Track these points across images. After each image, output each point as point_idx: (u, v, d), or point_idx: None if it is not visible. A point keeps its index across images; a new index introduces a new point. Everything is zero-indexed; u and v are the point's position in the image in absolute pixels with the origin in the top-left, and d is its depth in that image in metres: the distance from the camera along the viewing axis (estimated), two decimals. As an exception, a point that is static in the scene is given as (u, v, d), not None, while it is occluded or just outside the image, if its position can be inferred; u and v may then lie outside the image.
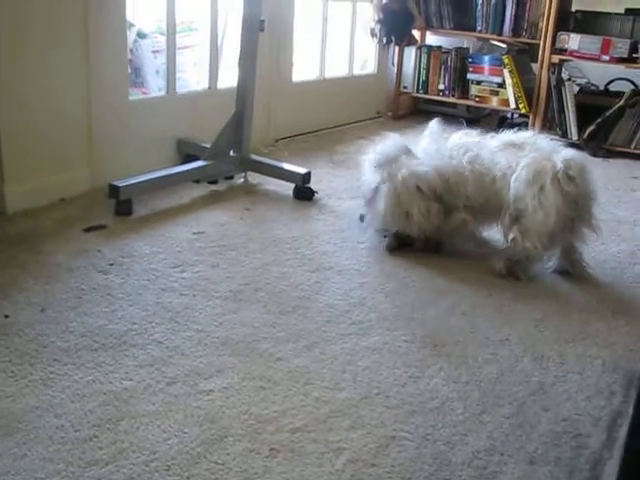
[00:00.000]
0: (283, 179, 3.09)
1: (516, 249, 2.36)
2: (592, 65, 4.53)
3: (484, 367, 1.83)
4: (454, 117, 4.94)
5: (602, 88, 4.62)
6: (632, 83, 4.40)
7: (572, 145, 3.22)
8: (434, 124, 2.67)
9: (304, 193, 3.04)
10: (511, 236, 2.36)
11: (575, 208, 2.30)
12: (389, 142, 2.59)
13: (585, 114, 4.20)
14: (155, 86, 3.67)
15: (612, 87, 4.53)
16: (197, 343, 1.84)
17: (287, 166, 3.14)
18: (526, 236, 2.32)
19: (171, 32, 3.17)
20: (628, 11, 4.26)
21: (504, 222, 2.39)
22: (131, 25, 3.54)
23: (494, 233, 2.60)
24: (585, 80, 4.83)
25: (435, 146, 2.55)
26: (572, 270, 2.44)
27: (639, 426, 0.86)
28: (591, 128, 4.09)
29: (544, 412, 1.66)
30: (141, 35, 3.69)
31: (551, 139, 2.48)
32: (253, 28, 2.96)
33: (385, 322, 2.03)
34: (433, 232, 2.50)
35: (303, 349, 1.85)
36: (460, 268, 2.44)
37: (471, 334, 2.00)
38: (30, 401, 1.57)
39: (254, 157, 3.17)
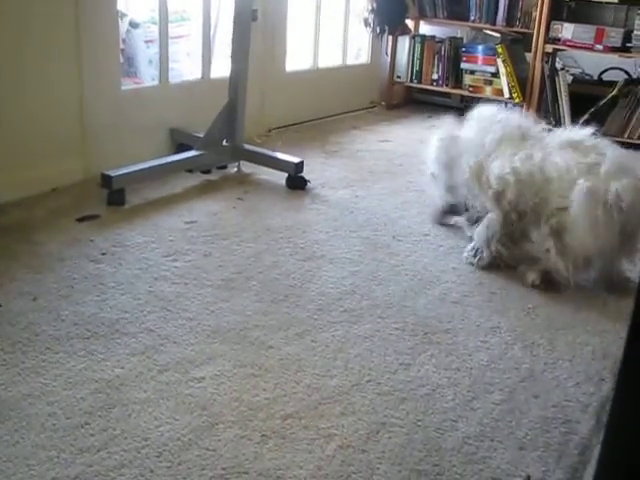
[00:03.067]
0: (276, 168, 3.09)
1: (548, 262, 2.24)
2: (586, 55, 4.52)
3: (474, 355, 1.84)
4: (447, 107, 4.95)
5: (596, 78, 4.62)
6: (625, 72, 4.40)
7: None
8: (482, 109, 2.58)
9: (297, 182, 3.04)
10: (546, 248, 2.23)
11: (619, 238, 2.16)
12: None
13: (579, 103, 4.20)
14: (148, 76, 3.66)
15: (605, 76, 4.52)
16: (189, 331, 1.85)
17: (280, 155, 3.14)
18: (562, 254, 2.19)
19: (163, 21, 3.16)
20: (622, 0, 4.25)
21: (542, 231, 2.24)
22: (123, 15, 3.52)
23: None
24: (579, 70, 4.82)
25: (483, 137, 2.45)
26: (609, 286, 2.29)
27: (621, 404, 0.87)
28: (585, 117, 4.09)
29: (534, 399, 1.67)
30: (133, 25, 3.68)
31: (613, 143, 2.35)
32: (245, 18, 2.95)
33: (376, 310, 2.04)
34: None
35: (294, 337, 1.86)
36: (451, 257, 2.45)
37: (462, 322, 2.01)
38: (22, 389, 1.57)
39: (247, 146, 3.17)
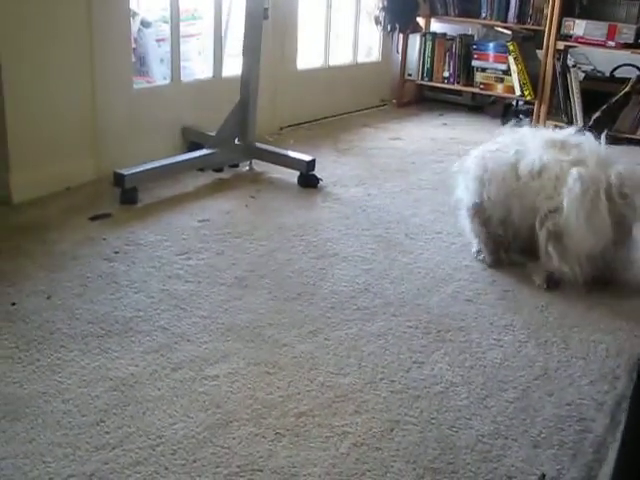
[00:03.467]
0: (288, 167, 3.09)
1: (552, 266, 2.21)
2: (598, 51, 4.50)
3: (488, 352, 1.84)
4: (458, 105, 4.94)
5: (607, 74, 4.60)
6: (638, 69, 4.37)
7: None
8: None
9: (309, 180, 3.04)
10: (548, 253, 2.20)
11: (620, 229, 2.14)
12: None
13: (591, 100, 4.18)
14: (160, 75, 3.67)
15: (618, 73, 4.50)
16: (202, 329, 1.86)
17: (292, 154, 3.15)
18: (564, 257, 2.16)
19: (175, 20, 3.17)
20: (635, -5, 4.23)
21: (541, 234, 2.21)
22: (135, 14, 3.53)
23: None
24: (591, 67, 4.80)
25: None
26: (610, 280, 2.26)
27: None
28: (597, 115, 4.07)
29: (548, 397, 1.66)
30: (145, 24, 3.69)
31: (594, 138, 2.28)
32: (257, 16, 2.95)
33: (390, 308, 2.04)
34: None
35: (308, 335, 1.86)
36: (464, 255, 2.45)
37: (475, 320, 2.01)
38: (37, 387, 1.58)
39: (259, 145, 3.18)
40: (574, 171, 2.12)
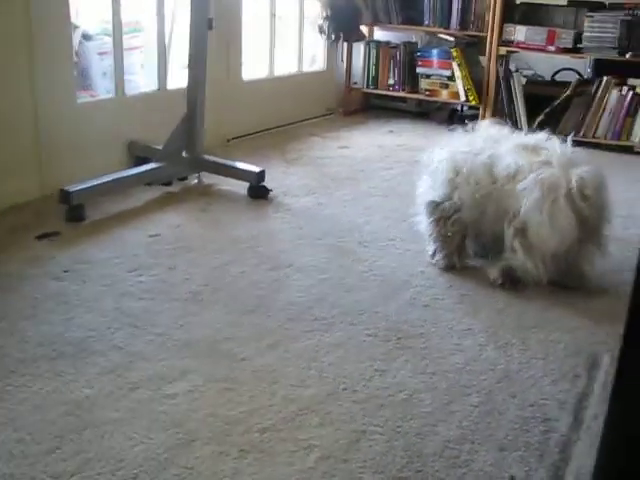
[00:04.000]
0: (237, 178, 3.05)
1: (516, 262, 2.22)
2: (537, 56, 4.59)
3: (449, 357, 1.84)
4: (404, 112, 4.97)
5: (548, 79, 4.69)
6: (577, 73, 4.48)
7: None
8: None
9: (259, 192, 3.01)
10: (513, 249, 2.21)
11: (585, 229, 2.16)
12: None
13: (533, 104, 4.26)
14: (103, 88, 3.60)
15: (558, 77, 4.60)
16: (158, 347, 1.81)
17: (241, 165, 3.11)
18: (528, 253, 2.17)
19: (118, 33, 3.11)
20: (571, 3, 4.32)
21: (508, 232, 2.22)
22: (75, 27, 3.45)
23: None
24: (531, 72, 4.90)
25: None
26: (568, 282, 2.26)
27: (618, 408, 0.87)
28: (541, 118, 4.15)
29: (511, 399, 1.66)
30: (86, 37, 3.61)
31: (564, 142, 2.30)
32: (202, 27, 2.92)
33: (347, 317, 2.02)
34: None
35: (267, 348, 1.83)
36: (419, 261, 2.45)
37: (434, 325, 2.00)
38: (-13, 415, 1.51)
39: (207, 157, 3.13)
40: (538, 172, 2.15)
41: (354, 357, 1.81)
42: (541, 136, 2.35)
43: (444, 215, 2.34)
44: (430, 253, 2.43)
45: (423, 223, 2.45)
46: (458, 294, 2.22)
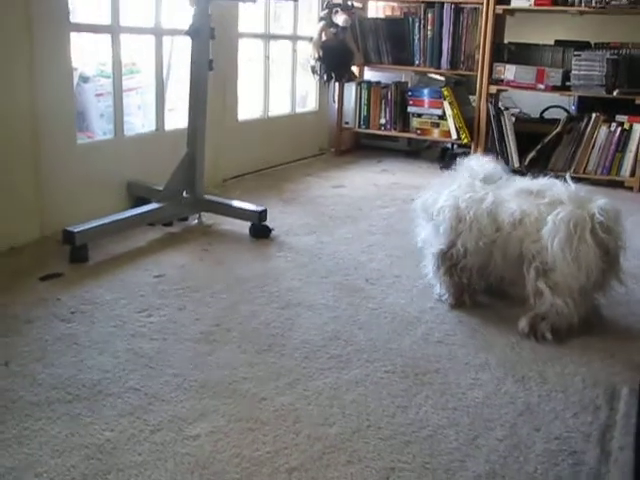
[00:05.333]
0: (239, 218, 3.05)
1: (544, 305, 2.16)
2: (524, 95, 4.69)
3: (468, 392, 1.82)
4: (395, 151, 5.02)
5: (534, 116, 4.77)
6: (565, 110, 4.56)
7: (515, 172, 3.28)
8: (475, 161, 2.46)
9: (261, 231, 3.01)
10: (538, 291, 2.16)
11: (607, 260, 2.14)
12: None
13: (523, 142, 4.32)
14: (100, 130, 3.61)
15: (546, 115, 4.69)
16: (176, 388, 1.78)
17: (243, 205, 3.11)
18: (556, 291, 2.12)
19: (117, 74, 3.12)
20: (557, 43, 4.43)
21: (529, 276, 2.17)
22: (73, 69, 3.46)
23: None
24: (518, 110, 4.98)
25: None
26: (591, 319, 2.25)
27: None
28: (532, 154, 4.20)
29: (536, 432, 1.65)
30: (84, 79, 3.63)
31: (565, 182, 2.27)
32: (202, 67, 2.94)
33: (363, 354, 2.01)
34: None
35: (286, 387, 1.81)
36: (427, 297, 2.44)
37: (450, 361, 1.99)
38: (5, 462, 1.47)
39: (208, 197, 3.13)
40: (557, 212, 2.13)
41: (374, 394, 1.79)
42: (543, 180, 2.33)
43: (453, 262, 2.33)
44: (438, 292, 2.43)
45: (431, 271, 2.43)
46: (469, 329, 2.22)
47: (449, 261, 2.34)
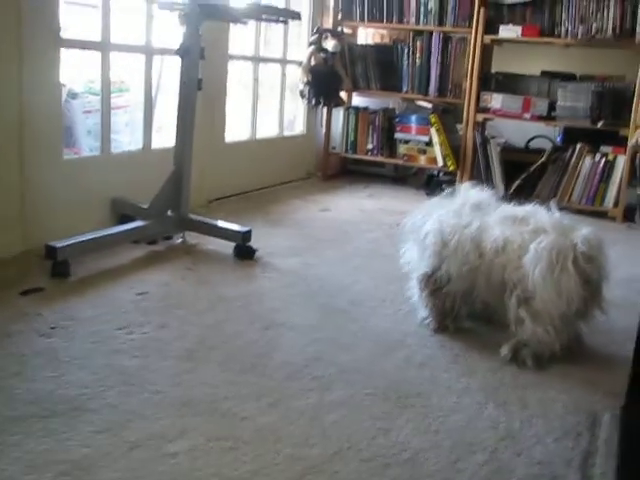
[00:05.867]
0: (224, 238, 3.04)
1: (525, 334, 2.15)
2: (509, 124, 4.73)
3: (450, 416, 1.81)
4: (382, 177, 5.05)
5: (519, 146, 4.83)
6: (550, 140, 4.61)
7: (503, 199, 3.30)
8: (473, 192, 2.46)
9: (245, 252, 3.00)
10: (519, 319, 2.16)
11: (589, 289, 2.14)
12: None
13: (509, 170, 4.36)
14: (87, 146, 3.60)
15: (532, 145, 4.74)
16: (155, 405, 1.76)
17: (227, 225, 3.10)
18: (536, 319, 2.12)
19: (106, 92, 3.13)
20: (544, 73, 4.49)
21: (511, 304, 2.17)
22: (62, 85, 3.46)
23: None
24: (503, 140, 5.03)
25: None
26: (573, 347, 2.24)
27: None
28: (517, 183, 4.24)
29: (517, 457, 1.64)
30: (72, 95, 3.63)
31: (550, 210, 2.28)
32: (191, 86, 2.95)
33: (345, 376, 1.99)
34: None
35: (267, 407, 1.79)
36: (410, 321, 2.44)
37: (432, 385, 1.99)
38: (-22, 476, 1.45)
39: (193, 217, 3.12)
40: (540, 240, 2.13)
41: (356, 416, 1.78)
42: (528, 207, 2.34)
43: (437, 286, 2.34)
44: (422, 317, 2.42)
45: (416, 294, 2.44)
46: (452, 354, 2.21)
47: (433, 285, 2.34)
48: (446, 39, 4.49)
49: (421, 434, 1.72)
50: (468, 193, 2.46)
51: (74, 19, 3.47)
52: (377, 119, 4.73)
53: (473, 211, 2.35)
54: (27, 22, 2.66)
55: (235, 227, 3.07)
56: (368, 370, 2.04)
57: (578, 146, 4.20)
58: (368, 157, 4.84)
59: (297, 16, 3.17)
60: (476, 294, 2.31)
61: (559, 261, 2.09)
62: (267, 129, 4.52)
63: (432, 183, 4.67)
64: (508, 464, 1.61)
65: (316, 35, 4.47)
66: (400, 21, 4.59)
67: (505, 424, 1.79)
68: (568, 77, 4.35)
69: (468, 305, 2.38)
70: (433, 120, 4.46)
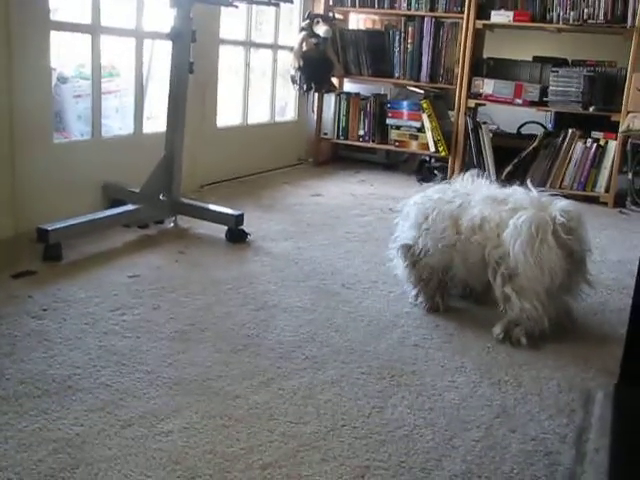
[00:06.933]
0: (216, 222, 3.03)
1: (514, 311, 2.15)
2: (501, 111, 4.73)
3: (445, 394, 1.81)
4: (373, 163, 5.04)
5: (510, 132, 4.82)
6: (542, 126, 4.61)
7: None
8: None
9: (237, 235, 2.98)
10: (506, 297, 2.16)
11: (572, 261, 2.14)
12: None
13: (500, 156, 4.36)
14: (77, 131, 3.57)
15: (523, 130, 4.74)
16: (148, 384, 1.75)
17: (220, 208, 3.09)
18: (522, 295, 2.12)
19: (96, 76, 3.10)
20: (536, 58, 4.48)
21: (496, 283, 2.17)
22: (52, 69, 3.43)
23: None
24: (494, 126, 5.03)
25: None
26: (564, 323, 2.26)
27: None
28: (509, 168, 4.24)
29: (512, 433, 1.64)
30: (62, 79, 3.59)
31: (529, 190, 2.27)
32: (183, 70, 2.92)
33: (339, 356, 1.99)
34: None
35: (260, 385, 1.78)
36: (403, 302, 2.44)
37: (426, 363, 1.98)
38: (-30, 455, 1.43)
39: (185, 200, 3.11)
40: (518, 215, 2.13)
41: (350, 394, 1.77)
42: (510, 188, 2.33)
43: (415, 259, 2.34)
44: (412, 296, 2.43)
45: (399, 267, 2.44)
46: (445, 334, 2.21)
47: (412, 257, 2.34)
48: (438, 24, 4.47)
49: (416, 412, 1.71)
50: (464, 181, 2.46)
51: (63, 0, 3.43)
52: (369, 105, 4.71)
53: (459, 190, 2.36)
54: (16, 3, 2.63)
55: (228, 210, 3.06)
56: (362, 350, 2.04)
57: (570, 131, 4.20)
58: (359, 143, 4.82)
59: (289, -1, 3.15)
60: (454, 272, 2.31)
61: (539, 234, 2.09)
62: (259, 115, 4.50)
63: (424, 169, 4.67)
64: (502, 441, 1.61)
65: (307, 20, 4.44)
66: (392, 6, 4.58)
67: (499, 402, 1.79)
68: (560, 62, 4.34)
69: (454, 284, 2.39)
70: (425, 106, 4.45)
